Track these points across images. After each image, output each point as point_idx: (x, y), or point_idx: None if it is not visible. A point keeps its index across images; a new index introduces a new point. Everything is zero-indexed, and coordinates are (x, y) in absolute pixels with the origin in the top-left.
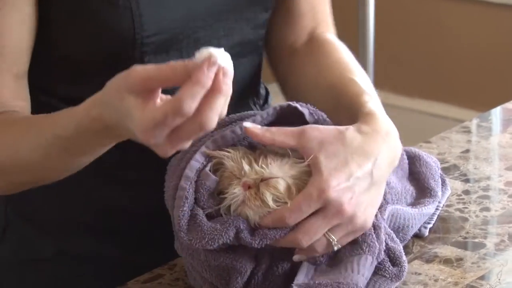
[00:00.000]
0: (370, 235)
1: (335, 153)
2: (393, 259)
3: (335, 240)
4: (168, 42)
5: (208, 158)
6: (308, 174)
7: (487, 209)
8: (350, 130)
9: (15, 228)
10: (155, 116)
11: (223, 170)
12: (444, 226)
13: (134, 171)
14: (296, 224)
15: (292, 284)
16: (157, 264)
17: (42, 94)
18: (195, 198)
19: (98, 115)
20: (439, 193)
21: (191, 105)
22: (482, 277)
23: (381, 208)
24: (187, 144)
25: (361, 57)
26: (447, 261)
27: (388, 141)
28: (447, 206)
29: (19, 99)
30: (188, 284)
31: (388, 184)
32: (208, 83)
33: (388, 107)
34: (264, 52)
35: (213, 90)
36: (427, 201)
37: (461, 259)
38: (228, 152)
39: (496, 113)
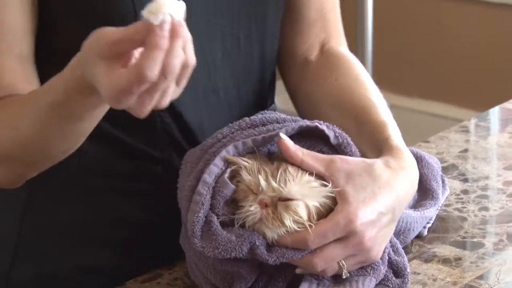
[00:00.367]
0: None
1: (363, 185)
2: (397, 272)
3: (346, 267)
4: None
5: (227, 163)
6: (331, 200)
7: (485, 208)
8: (378, 164)
9: (28, 244)
10: (120, 84)
11: (238, 181)
12: (443, 226)
13: (147, 183)
14: (315, 248)
15: None
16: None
17: None
18: (210, 204)
19: (81, 73)
20: (440, 195)
21: (153, 71)
22: (480, 277)
23: None
24: (164, 103)
25: (359, 57)
26: (445, 261)
27: (412, 179)
28: (446, 205)
29: (27, 82)
30: (187, 284)
31: None
32: (165, 44)
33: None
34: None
35: (172, 46)
36: (429, 203)
37: (459, 258)
38: (246, 162)
39: (495, 113)
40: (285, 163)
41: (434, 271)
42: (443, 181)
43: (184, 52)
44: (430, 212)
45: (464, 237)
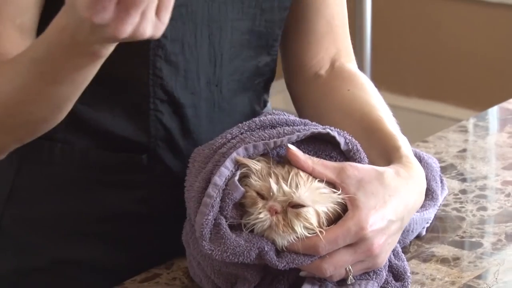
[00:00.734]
0: None
1: (374, 192)
2: (397, 275)
3: (352, 272)
4: (184, 14)
5: (237, 165)
6: (339, 206)
7: (484, 208)
8: (389, 172)
9: (8, 237)
10: None
11: (246, 184)
12: (441, 226)
13: (135, 175)
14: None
15: None
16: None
17: None
18: (219, 207)
19: (65, 23)
20: (440, 195)
21: None
22: (479, 277)
23: None
24: (143, 29)
25: (358, 57)
26: (444, 261)
27: (421, 189)
28: (444, 205)
29: None
30: (185, 283)
31: None
32: None
33: None
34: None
35: None
36: (428, 204)
37: (458, 258)
38: (257, 165)
39: (493, 113)
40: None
41: (432, 271)
42: (441, 181)
43: None
44: (430, 213)
45: (462, 237)
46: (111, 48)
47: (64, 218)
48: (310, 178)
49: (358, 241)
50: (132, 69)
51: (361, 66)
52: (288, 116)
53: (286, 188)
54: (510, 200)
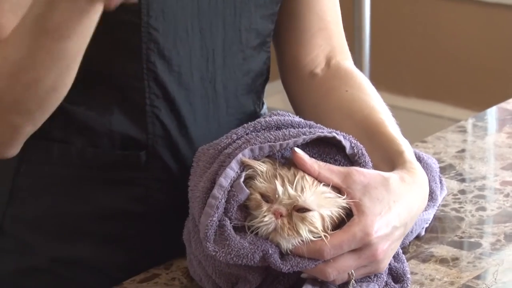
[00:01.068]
0: None
1: (379, 198)
2: (396, 277)
3: (354, 276)
4: (174, 6)
5: (243, 167)
6: (345, 211)
7: (483, 208)
8: (394, 178)
9: (9, 236)
10: None
11: (251, 186)
12: (440, 226)
13: (134, 173)
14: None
15: None
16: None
17: None
18: (224, 208)
19: None
20: (439, 196)
21: None
22: (478, 277)
23: None
24: None
25: (357, 57)
26: (443, 261)
27: (424, 195)
28: (443, 205)
29: None
30: (184, 284)
31: None
32: None
33: None
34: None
35: None
36: (428, 204)
37: (457, 258)
38: (263, 166)
39: (492, 113)
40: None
41: (431, 271)
42: (440, 181)
43: None
44: (429, 214)
45: (461, 237)
46: None
47: (63, 218)
48: (316, 182)
49: (363, 247)
50: (126, 64)
51: (360, 66)
52: (293, 118)
53: (291, 191)
54: (509, 200)
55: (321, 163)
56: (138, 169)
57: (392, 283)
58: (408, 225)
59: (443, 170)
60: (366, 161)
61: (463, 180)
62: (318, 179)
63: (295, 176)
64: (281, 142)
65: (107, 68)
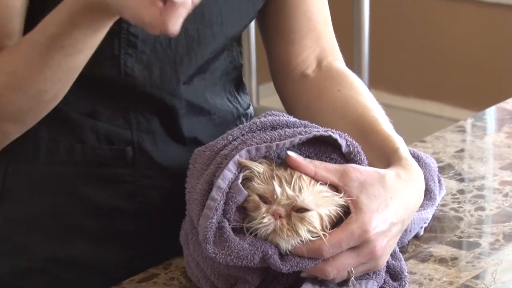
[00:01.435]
0: None
1: (376, 195)
2: (394, 275)
3: (354, 274)
4: None
5: (240, 168)
6: (342, 209)
7: (482, 208)
8: (390, 175)
9: (2, 238)
10: None
11: (248, 188)
12: (439, 226)
13: (122, 169)
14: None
15: None
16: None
17: None
18: (223, 210)
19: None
20: (437, 196)
21: None
22: (477, 277)
23: None
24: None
25: (356, 57)
26: (442, 261)
27: (420, 191)
28: (442, 205)
29: None
30: (183, 283)
31: None
32: None
33: (383, 107)
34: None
35: None
36: (426, 204)
37: (456, 258)
38: (260, 167)
39: (491, 113)
40: None
41: (430, 271)
42: (439, 181)
43: None
44: (427, 213)
45: (460, 237)
46: None
47: (55, 216)
48: (313, 181)
49: (361, 244)
50: (105, 68)
51: (359, 66)
52: (288, 117)
53: (289, 191)
54: (508, 200)
55: (317, 162)
56: (125, 165)
57: (390, 281)
58: (405, 222)
59: (442, 170)
60: (362, 158)
61: (462, 180)
62: (315, 178)
63: (292, 176)
64: (277, 142)
65: (87, 71)
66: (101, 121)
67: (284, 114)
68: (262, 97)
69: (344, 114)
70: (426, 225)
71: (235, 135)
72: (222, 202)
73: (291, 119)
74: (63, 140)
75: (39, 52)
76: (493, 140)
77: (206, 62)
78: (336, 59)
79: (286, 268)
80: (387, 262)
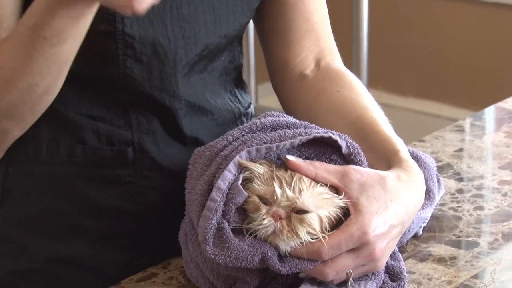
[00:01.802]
0: None
1: (376, 197)
2: (393, 276)
3: (352, 275)
4: (150, 15)
5: (240, 169)
6: (342, 210)
7: (480, 207)
8: (390, 177)
9: (2, 238)
10: None
11: (248, 189)
12: (438, 225)
13: (123, 170)
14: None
15: None
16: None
17: None
18: (222, 211)
19: None
20: (436, 195)
21: None
22: (475, 276)
23: None
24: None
25: (354, 56)
26: (440, 260)
27: (420, 193)
28: (441, 205)
29: None
30: (182, 283)
31: None
32: None
33: (382, 106)
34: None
35: None
36: (425, 203)
37: (454, 257)
38: (260, 168)
39: (490, 112)
40: None
41: (429, 270)
42: (438, 181)
43: None
44: (426, 213)
45: (459, 236)
46: None
47: (56, 217)
48: (313, 182)
49: (361, 246)
50: (104, 69)
51: (358, 66)
52: (288, 118)
53: (290, 193)
54: (506, 200)
55: (317, 163)
56: (126, 166)
57: (389, 282)
58: (405, 224)
59: (441, 169)
60: (362, 159)
61: (461, 179)
62: (316, 179)
63: (292, 178)
64: (277, 143)
65: (87, 72)
66: (102, 122)
67: (284, 114)
68: (261, 96)
69: (344, 115)
70: (425, 224)
71: (235, 135)
72: (222, 203)
73: (291, 119)
74: (63, 141)
75: (23, 44)
76: (492, 140)
77: (204, 61)
78: (335, 59)
79: (285, 270)
80: (386, 263)
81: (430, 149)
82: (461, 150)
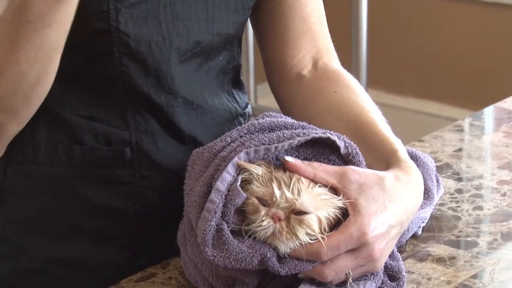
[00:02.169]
0: None
1: (375, 197)
2: (392, 275)
3: (351, 276)
4: (144, 12)
5: (239, 170)
6: (341, 211)
7: (479, 207)
8: (389, 177)
9: (1, 239)
10: None
11: (247, 190)
12: (437, 225)
13: (121, 170)
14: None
15: None
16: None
17: None
18: (221, 212)
19: None
20: (435, 195)
21: None
22: (475, 276)
23: None
24: None
25: (354, 56)
26: (440, 260)
27: (419, 193)
28: (440, 204)
29: None
30: (181, 283)
31: None
32: None
33: (381, 106)
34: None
35: None
36: (424, 203)
37: (454, 257)
38: (258, 170)
39: (489, 112)
40: None
41: (428, 270)
42: (437, 180)
43: None
44: (426, 212)
45: (458, 236)
46: None
47: (55, 217)
48: (311, 183)
49: (360, 246)
50: (100, 67)
51: (357, 66)
52: (286, 119)
53: (288, 194)
54: (505, 200)
55: (316, 164)
56: (124, 166)
57: (388, 281)
58: (404, 224)
59: (440, 169)
60: (360, 160)
61: (460, 179)
62: (314, 180)
63: (291, 179)
64: (276, 144)
65: (84, 71)
66: (99, 122)
67: (282, 115)
68: (260, 96)
69: (341, 115)
70: (424, 224)
71: (233, 136)
72: (221, 205)
73: (289, 120)
74: (61, 141)
75: (7, 31)
76: (491, 140)
77: (198, 59)
78: (332, 59)
79: (284, 271)
80: (385, 263)
81: (429, 149)
82: (460, 150)
